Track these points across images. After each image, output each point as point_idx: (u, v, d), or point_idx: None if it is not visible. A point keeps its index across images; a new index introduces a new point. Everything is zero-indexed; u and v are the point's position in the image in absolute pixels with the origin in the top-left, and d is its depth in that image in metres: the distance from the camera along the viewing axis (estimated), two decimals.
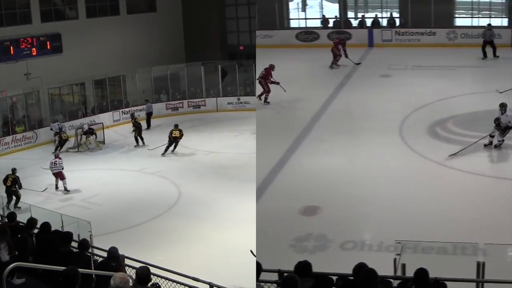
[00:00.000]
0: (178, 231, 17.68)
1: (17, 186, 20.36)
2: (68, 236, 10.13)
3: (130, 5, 36.92)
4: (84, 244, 9.96)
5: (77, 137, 28.04)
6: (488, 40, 24.58)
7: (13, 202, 20.16)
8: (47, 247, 9.97)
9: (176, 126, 26.43)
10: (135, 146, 27.81)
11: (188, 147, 26.59)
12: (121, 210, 19.88)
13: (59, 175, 22.06)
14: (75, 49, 32.45)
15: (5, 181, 20.39)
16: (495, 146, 16.52)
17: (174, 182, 22.19)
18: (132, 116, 29.24)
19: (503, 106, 16.56)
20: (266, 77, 21.57)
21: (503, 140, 16.38)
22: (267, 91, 21.50)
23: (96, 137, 28.23)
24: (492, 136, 16.52)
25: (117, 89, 34.79)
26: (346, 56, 24.16)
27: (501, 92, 19.05)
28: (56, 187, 22.14)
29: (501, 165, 15.98)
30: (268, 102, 21.39)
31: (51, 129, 28.44)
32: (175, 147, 26.22)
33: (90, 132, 28.09)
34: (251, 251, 13.34)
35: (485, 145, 16.44)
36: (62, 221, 14.21)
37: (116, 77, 34.22)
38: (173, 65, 35.39)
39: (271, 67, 21.66)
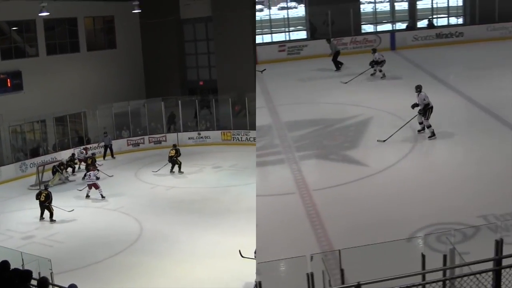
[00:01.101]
0: (140, 267, 17.74)
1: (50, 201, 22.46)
2: (27, 274, 10.01)
3: (90, 42, 37.27)
4: (43, 282, 9.83)
5: (38, 174, 28.06)
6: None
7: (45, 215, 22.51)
8: (6, 286, 9.89)
9: (174, 145, 28.70)
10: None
11: (149, 182, 26.90)
12: (82, 247, 19.85)
13: (94, 186, 25.12)
14: (36, 86, 32.68)
15: (38, 195, 22.61)
16: (419, 131, 18.29)
17: (136, 218, 22.27)
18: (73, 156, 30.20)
19: (418, 88, 18.33)
20: None
21: (429, 126, 17.94)
22: None
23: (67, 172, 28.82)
24: (421, 123, 18.22)
25: (78, 126, 34.97)
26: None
27: (345, 83, 23.34)
28: (87, 196, 25.16)
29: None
30: None
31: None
32: (173, 166, 28.11)
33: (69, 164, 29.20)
34: (240, 251, 14.04)
35: (419, 131, 18.33)
36: (22, 259, 14.21)
37: (77, 113, 34.43)
38: (133, 101, 35.71)
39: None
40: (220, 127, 35.59)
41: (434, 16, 34.22)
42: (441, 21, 34.23)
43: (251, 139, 32.55)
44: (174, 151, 28.26)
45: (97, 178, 25.54)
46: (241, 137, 33.97)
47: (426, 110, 17.96)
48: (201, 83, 40.47)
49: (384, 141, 17.74)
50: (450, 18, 34.25)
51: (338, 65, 27.19)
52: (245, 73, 36.34)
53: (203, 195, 24.87)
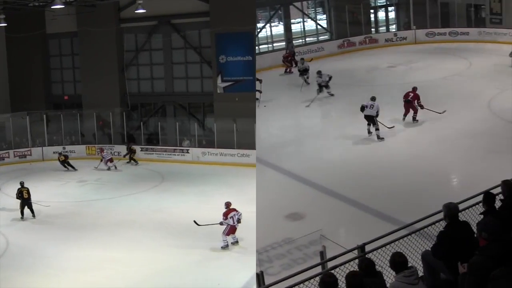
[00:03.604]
0: (7, 282, 17.83)
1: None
2: None
3: None
4: None
5: None
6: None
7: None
8: None
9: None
10: None
11: (14, 196, 26.98)
12: None
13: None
14: None
15: (20, 194, 23.33)
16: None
17: (1, 232, 22.25)
18: None
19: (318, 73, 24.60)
20: (418, 98, 24.14)
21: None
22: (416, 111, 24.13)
23: None
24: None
25: None
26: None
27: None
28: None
29: None
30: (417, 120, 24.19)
31: None
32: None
33: None
34: (195, 221, 15.19)
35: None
36: None
37: None
38: None
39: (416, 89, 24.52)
40: (85, 142, 36.30)
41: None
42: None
43: (116, 153, 33.63)
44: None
45: None
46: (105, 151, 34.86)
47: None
48: (66, 97, 40.84)
49: None
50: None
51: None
52: (110, 88, 37.34)
53: (68, 209, 25.28)
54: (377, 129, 22.89)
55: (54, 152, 34.71)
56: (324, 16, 41.89)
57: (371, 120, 22.95)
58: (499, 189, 9.35)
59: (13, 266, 19.18)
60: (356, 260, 8.23)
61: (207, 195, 26.21)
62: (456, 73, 26.24)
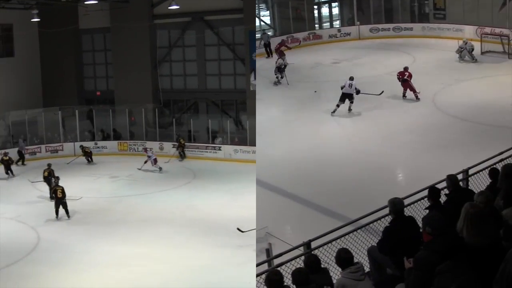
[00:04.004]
0: (37, 277, 18.00)
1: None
2: None
3: None
4: None
5: None
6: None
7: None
8: None
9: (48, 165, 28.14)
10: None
11: (46, 191, 26.88)
12: None
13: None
14: None
15: (54, 193, 22.85)
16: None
17: (33, 227, 22.36)
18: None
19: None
20: (411, 77, 25.60)
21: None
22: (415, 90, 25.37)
23: None
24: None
25: None
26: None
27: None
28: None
29: None
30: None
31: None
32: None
33: None
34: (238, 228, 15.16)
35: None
36: None
37: None
38: (30, 110, 35.79)
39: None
40: (117, 137, 36.24)
41: None
42: None
43: (150, 149, 33.57)
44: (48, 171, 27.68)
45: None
46: (138, 148, 34.75)
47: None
48: (98, 93, 40.92)
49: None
50: None
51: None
52: (142, 84, 37.27)
53: (99, 204, 25.36)
54: (351, 103, 24.59)
55: (80, 146, 34.41)
56: (268, 12, 41.48)
57: (349, 97, 24.55)
58: (444, 184, 9.49)
59: (44, 261, 19.23)
60: (303, 257, 8.20)
61: (237, 193, 25.96)
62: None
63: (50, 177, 26.01)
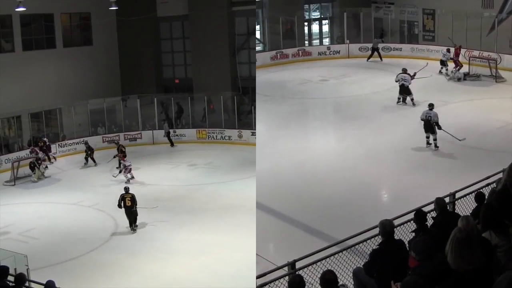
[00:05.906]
0: (115, 264, 17.99)
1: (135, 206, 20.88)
2: (3, 270, 9.95)
3: (66, 38, 37.28)
4: (21, 278, 9.89)
5: (14, 170, 28.14)
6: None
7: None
8: None
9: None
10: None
11: (123, 180, 26.90)
12: (58, 243, 20.01)
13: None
14: (11, 82, 32.58)
15: (122, 201, 20.83)
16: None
17: (111, 215, 22.30)
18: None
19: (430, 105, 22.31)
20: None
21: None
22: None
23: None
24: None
25: (53, 122, 35.00)
26: None
27: None
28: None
29: None
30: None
31: None
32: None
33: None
34: None
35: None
36: None
37: (53, 110, 34.45)
38: (109, 98, 35.72)
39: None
40: (196, 125, 35.81)
41: None
42: None
43: (226, 137, 32.96)
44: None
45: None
46: (216, 136, 34.21)
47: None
48: (176, 81, 40.70)
49: None
50: None
51: None
52: (221, 72, 36.80)
53: (178, 192, 25.10)
54: (410, 95, 26.32)
55: (164, 136, 34.14)
56: (258, 27, 40.62)
57: (405, 90, 26.13)
58: (430, 206, 9.44)
59: (121, 249, 19.29)
60: (287, 277, 8.04)
61: None
62: (388, 88, 26.60)
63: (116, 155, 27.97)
